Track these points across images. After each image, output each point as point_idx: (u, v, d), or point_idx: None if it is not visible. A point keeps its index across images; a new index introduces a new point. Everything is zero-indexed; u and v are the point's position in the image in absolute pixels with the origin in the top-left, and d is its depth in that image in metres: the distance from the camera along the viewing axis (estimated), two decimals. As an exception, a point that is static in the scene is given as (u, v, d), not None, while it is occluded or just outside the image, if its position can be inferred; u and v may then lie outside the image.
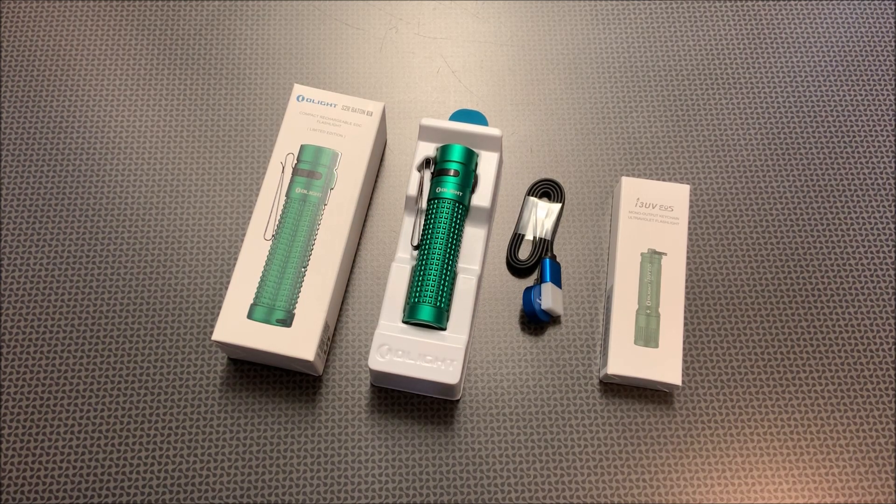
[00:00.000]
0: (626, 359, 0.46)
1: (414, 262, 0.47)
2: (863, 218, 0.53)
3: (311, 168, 0.48)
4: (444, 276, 0.45)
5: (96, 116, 0.55)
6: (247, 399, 0.47)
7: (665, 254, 0.48)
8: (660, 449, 0.46)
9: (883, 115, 0.56)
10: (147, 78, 0.56)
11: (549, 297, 0.47)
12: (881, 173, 0.54)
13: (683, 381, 0.48)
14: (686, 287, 0.50)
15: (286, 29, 0.58)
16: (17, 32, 0.57)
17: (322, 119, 0.50)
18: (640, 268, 0.48)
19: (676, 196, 0.50)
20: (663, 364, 0.46)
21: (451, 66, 0.57)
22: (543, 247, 0.51)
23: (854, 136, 0.56)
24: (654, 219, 0.49)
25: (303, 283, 0.45)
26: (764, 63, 0.58)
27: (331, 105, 0.50)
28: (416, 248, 0.47)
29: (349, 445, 0.46)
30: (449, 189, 0.47)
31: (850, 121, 0.56)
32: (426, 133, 0.50)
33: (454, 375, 0.43)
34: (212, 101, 0.55)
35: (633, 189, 0.50)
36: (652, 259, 0.48)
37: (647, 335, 0.46)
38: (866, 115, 0.56)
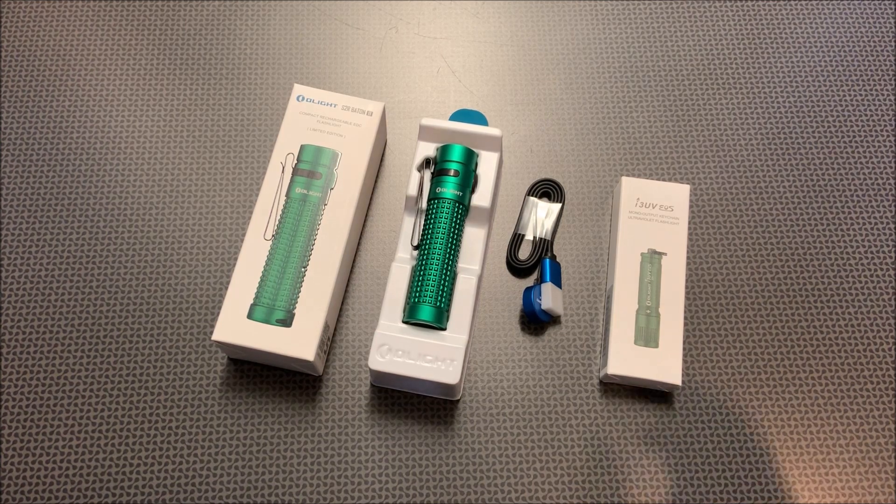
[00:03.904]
0: (626, 359, 0.46)
1: (414, 262, 0.47)
2: (863, 218, 0.53)
3: (311, 168, 0.48)
4: (444, 276, 0.45)
5: (96, 116, 0.55)
6: (247, 399, 0.47)
7: (665, 254, 0.48)
8: (660, 449, 0.46)
9: (883, 115, 0.56)
10: (147, 78, 0.56)
11: (549, 297, 0.47)
12: (881, 173, 0.54)
13: (683, 381, 0.48)
14: (686, 287, 0.50)
15: (286, 29, 0.58)
16: (17, 32, 0.57)
17: (322, 119, 0.50)
18: (640, 268, 0.48)
19: (676, 196, 0.50)
20: (663, 364, 0.46)
21: (451, 66, 0.57)
22: (543, 247, 0.51)
23: (854, 136, 0.56)
24: (654, 219, 0.49)
25: (303, 283, 0.45)
26: (764, 63, 0.58)
27: (331, 105, 0.50)
28: (416, 248, 0.47)
29: (349, 445, 0.46)
30: (449, 189, 0.47)
31: (850, 121, 0.56)
32: (426, 133, 0.50)
33: (454, 375, 0.43)
34: (212, 102, 0.55)
35: (633, 189, 0.50)
36: (652, 259, 0.48)
37: (648, 335, 0.46)
38: (866, 115, 0.56)
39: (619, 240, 0.49)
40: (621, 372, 0.46)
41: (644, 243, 0.49)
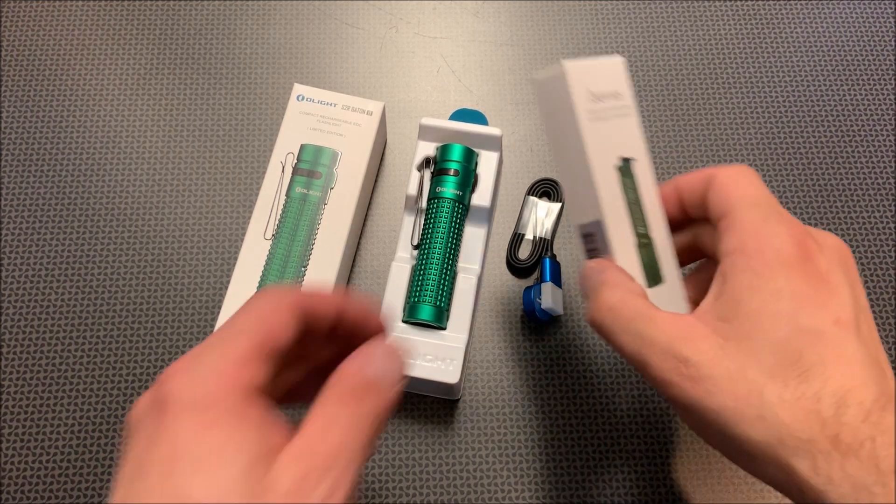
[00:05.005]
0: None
1: (414, 262, 0.47)
2: (863, 218, 0.53)
3: (311, 167, 0.48)
4: (443, 276, 0.45)
5: (96, 116, 0.55)
6: (247, 399, 0.47)
7: (634, 159, 0.36)
8: (660, 449, 0.46)
9: (883, 115, 0.56)
10: (147, 78, 0.56)
11: (550, 297, 0.47)
12: (881, 173, 0.54)
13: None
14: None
15: (286, 29, 0.58)
16: (17, 32, 0.57)
17: (322, 118, 0.50)
18: (620, 186, 0.35)
19: (616, 76, 0.36)
20: (671, 299, 0.35)
21: (451, 65, 0.57)
22: (543, 246, 0.51)
23: (854, 136, 0.56)
24: (610, 115, 0.36)
25: (303, 283, 0.45)
26: (764, 63, 0.58)
27: (331, 104, 0.50)
28: (416, 247, 0.47)
29: (349, 445, 0.46)
30: (449, 189, 0.47)
31: (851, 121, 0.56)
32: (426, 133, 0.50)
33: (454, 375, 0.43)
34: (212, 101, 0.55)
35: (582, 79, 0.35)
36: (629, 170, 0.36)
37: (653, 271, 0.36)
38: (866, 115, 0.56)
39: (590, 153, 0.35)
40: None
41: (611, 151, 0.35)
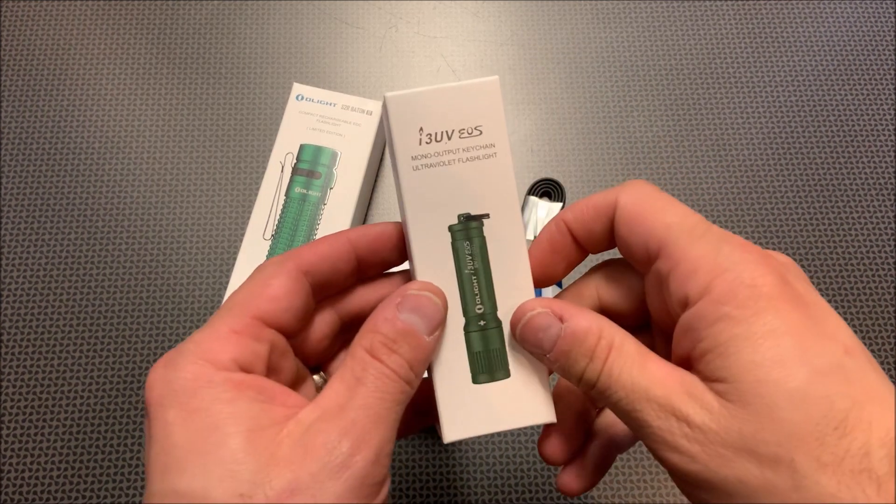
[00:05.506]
0: (467, 413, 0.27)
1: (414, 262, 0.47)
2: (864, 218, 0.53)
3: (310, 167, 0.48)
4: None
5: (95, 116, 0.55)
6: (246, 399, 0.47)
7: (487, 215, 0.28)
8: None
9: (884, 115, 0.56)
10: (146, 78, 0.56)
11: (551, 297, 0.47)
12: (882, 173, 0.54)
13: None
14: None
15: (286, 28, 0.58)
16: (16, 32, 0.57)
17: (321, 118, 0.49)
18: (451, 252, 0.27)
19: (480, 105, 0.27)
20: (524, 399, 0.27)
21: (451, 65, 0.57)
22: (543, 246, 0.50)
23: (855, 136, 0.55)
24: (455, 158, 0.27)
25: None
26: (765, 63, 0.58)
27: (330, 104, 0.50)
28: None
29: (349, 445, 0.46)
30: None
31: (852, 121, 0.56)
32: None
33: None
34: (211, 101, 0.55)
35: (406, 113, 0.27)
36: (468, 232, 0.27)
37: (490, 362, 0.27)
38: (867, 115, 0.56)
39: (408, 210, 0.27)
40: (465, 435, 0.27)
41: (449, 207, 0.27)
